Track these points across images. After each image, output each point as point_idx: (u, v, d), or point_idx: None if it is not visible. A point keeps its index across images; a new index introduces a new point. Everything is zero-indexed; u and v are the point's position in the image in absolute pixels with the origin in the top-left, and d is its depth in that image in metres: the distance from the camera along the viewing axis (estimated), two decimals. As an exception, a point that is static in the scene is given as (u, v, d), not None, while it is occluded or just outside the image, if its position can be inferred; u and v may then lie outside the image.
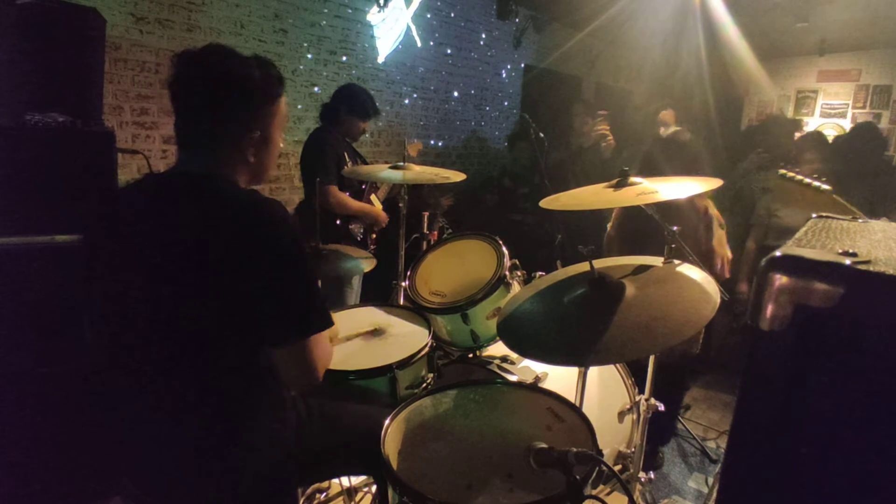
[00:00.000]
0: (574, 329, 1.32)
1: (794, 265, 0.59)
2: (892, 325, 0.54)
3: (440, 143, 5.22)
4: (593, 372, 1.77)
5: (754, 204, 3.46)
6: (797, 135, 4.22)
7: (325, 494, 1.94)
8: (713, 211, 2.35)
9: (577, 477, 0.98)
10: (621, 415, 1.68)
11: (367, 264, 2.26)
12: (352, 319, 1.92)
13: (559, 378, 1.81)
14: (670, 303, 1.25)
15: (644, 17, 5.18)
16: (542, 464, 1.03)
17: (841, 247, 0.64)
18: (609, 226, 2.57)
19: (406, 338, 1.78)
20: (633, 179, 1.59)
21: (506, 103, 5.91)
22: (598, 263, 1.46)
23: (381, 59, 4.40)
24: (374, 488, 1.81)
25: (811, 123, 7.09)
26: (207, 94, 1.16)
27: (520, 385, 1.60)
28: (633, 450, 1.71)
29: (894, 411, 0.55)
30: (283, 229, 1.12)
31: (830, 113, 7.14)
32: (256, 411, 1.19)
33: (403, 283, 2.13)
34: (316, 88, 3.94)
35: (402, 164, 2.25)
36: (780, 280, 0.59)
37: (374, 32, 4.30)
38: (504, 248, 1.99)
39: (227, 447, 1.16)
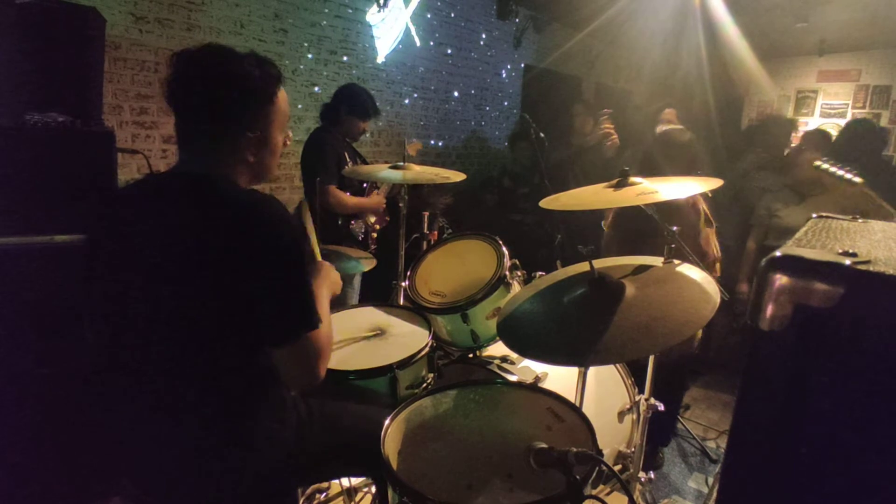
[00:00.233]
0: (574, 329, 1.32)
1: (794, 265, 0.59)
2: (892, 325, 0.54)
3: (440, 143, 5.23)
4: (593, 372, 1.77)
5: (753, 203, 3.46)
6: (794, 134, 4.22)
7: (325, 494, 1.94)
8: (702, 206, 2.34)
9: (577, 477, 0.98)
10: (621, 415, 1.68)
11: (367, 264, 2.26)
12: (352, 319, 1.92)
13: (559, 378, 1.81)
14: (670, 303, 1.26)
15: (644, 18, 5.18)
16: (542, 464, 1.03)
17: (841, 247, 0.64)
18: (604, 223, 2.57)
19: (406, 338, 1.78)
20: (633, 179, 1.59)
21: (506, 103, 5.92)
22: (598, 263, 1.46)
23: (380, 59, 4.40)
24: (374, 488, 1.81)
25: (811, 123, 7.09)
26: (206, 94, 1.15)
27: (520, 385, 1.60)
28: (633, 450, 1.71)
29: (894, 411, 0.55)
30: (282, 229, 1.12)
31: (830, 113, 7.14)
32: (256, 411, 1.19)
33: (403, 283, 2.13)
34: (316, 88, 3.94)
35: (402, 163, 2.25)
36: (780, 280, 0.59)
37: (374, 32, 4.30)
38: (504, 248, 1.99)
39: (227, 447, 1.16)
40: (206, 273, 1.08)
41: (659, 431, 2.62)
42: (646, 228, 2.05)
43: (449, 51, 5.08)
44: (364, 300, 2.99)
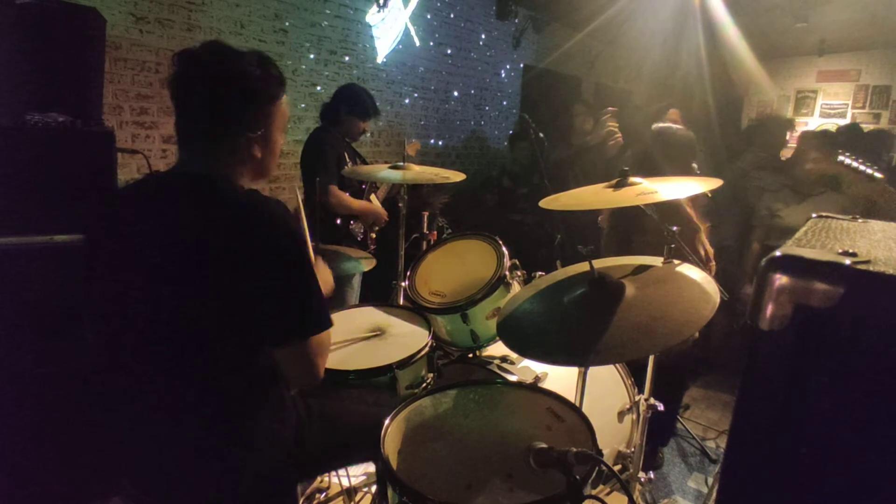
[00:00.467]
0: (574, 329, 1.32)
1: (793, 265, 0.59)
2: (892, 325, 0.54)
3: (440, 143, 5.23)
4: (593, 372, 1.77)
5: (752, 203, 3.46)
6: (790, 134, 4.22)
7: (324, 494, 1.94)
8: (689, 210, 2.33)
9: (577, 477, 0.98)
10: (621, 415, 1.68)
11: (367, 264, 2.26)
12: (352, 319, 1.93)
13: (559, 378, 1.81)
14: (670, 303, 1.26)
15: (644, 18, 5.18)
16: (542, 464, 1.03)
17: (841, 246, 0.64)
18: (600, 219, 2.57)
19: (406, 338, 1.78)
20: (632, 179, 1.59)
21: (505, 103, 5.92)
22: (598, 263, 1.46)
23: (380, 59, 4.40)
24: (373, 488, 1.81)
25: (811, 124, 7.10)
26: (207, 94, 1.15)
27: (520, 385, 1.60)
28: (632, 450, 1.71)
29: (894, 411, 0.55)
30: (282, 229, 1.12)
31: (830, 113, 7.14)
32: (256, 411, 1.19)
33: (403, 283, 2.13)
34: (318, 88, 3.94)
35: (401, 163, 2.25)
36: (780, 280, 0.59)
37: (374, 32, 4.30)
38: (504, 248, 1.99)
39: (227, 447, 1.16)
40: (206, 273, 1.08)
41: (659, 431, 2.62)
42: (633, 226, 2.06)
43: (449, 51, 5.08)
44: (364, 300, 2.99)
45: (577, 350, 1.24)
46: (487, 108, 5.71)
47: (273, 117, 1.23)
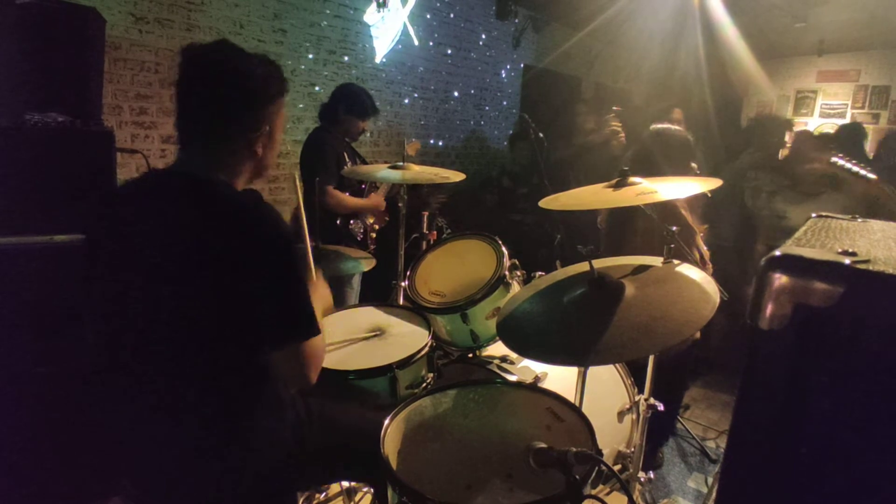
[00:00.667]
0: (574, 329, 1.32)
1: (793, 264, 0.59)
2: (892, 324, 0.54)
3: (440, 143, 5.23)
4: (593, 372, 1.77)
5: (750, 203, 3.46)
6: (788, 134, 4.22)
7: (324, 494, 1.94)
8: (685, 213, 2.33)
9: (577, 477, 0.98)
10: (621, 415, 1.68)
11: (367, 264, 2.26)
12: (352, 319, 1.92)
13: (559, 378, 1.81)
14: (670, 303, 1.25)
15: (643, 18, 5.18)
16: (541, 464, 1.03)
17: (840, 246, 0.63)
18: (600, 221, 2.57)
19: (406, 338, 1.78)
20: (632, 179, 1.59)
21: (505, 103, 5.92)
22: (598, 263, 1.46)
23: (378, 59, 4.40)
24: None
25: (810, 124, 7.10)
26: (207, 93, 1.15)
27: (520, 385, 1.60)
28: (632, 450, 1.71)
29: (894, 411, 0.55)
30: (282, 229, 1.12)
31: (830, 113, 7.14)
32: (256, 411, 1.19)
33: (403, 283, 2.13)
34: (317, 88, 3.94)
35: (401, 163, 2.24)
36: (780, 279, 0.59)
37: (373, 32, 4.30)
38: (504, 248, 1.99)
39: (227, 447, 1.16)
40: (205, 273, 1.08)
41: (659, 431, 2.62)
42: (625, 228, 2.06)
43: (448, 51, 5.08)
44: (364, 300, 2.99)
45: (577, 350, 1.24)
46: (487, 108, 5.71)
47: (273, 117, 1.23)
